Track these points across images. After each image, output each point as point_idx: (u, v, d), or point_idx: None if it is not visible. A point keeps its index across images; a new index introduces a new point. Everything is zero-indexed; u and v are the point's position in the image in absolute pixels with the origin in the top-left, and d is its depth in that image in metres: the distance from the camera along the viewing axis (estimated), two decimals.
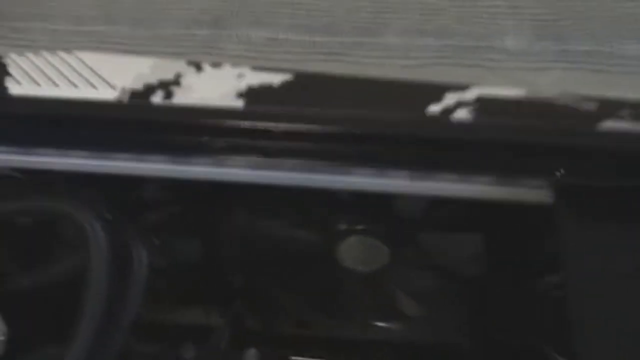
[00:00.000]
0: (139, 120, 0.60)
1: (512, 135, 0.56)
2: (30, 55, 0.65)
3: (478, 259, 0.72)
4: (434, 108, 0.58)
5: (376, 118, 0.58)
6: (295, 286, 0.78)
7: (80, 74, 0.64)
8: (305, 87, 0.63)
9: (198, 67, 0.65)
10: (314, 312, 0.79)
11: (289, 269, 0.77)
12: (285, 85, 0.62)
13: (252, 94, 0.60)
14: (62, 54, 0.65)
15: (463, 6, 0.96)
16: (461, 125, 0.57)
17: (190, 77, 0.63)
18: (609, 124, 0.56)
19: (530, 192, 0.59)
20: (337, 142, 0.58)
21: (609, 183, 0.55)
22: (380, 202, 0.69)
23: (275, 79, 0.63)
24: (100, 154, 0.62)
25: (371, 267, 0.72)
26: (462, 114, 0.57)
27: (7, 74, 0.63)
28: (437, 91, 0.60)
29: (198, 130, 0.59)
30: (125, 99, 0.61)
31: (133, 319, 0.57)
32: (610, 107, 0.58)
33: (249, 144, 0.59)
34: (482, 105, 0.58)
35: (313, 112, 0.59)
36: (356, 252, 0.71)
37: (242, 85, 0.62)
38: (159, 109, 0.60)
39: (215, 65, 0.66)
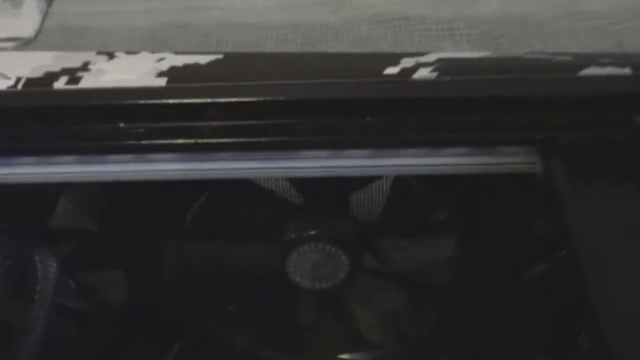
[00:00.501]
0: (37, 111, 0.49)
1: (482, 92, 0.48)
2: None
3: (451, 263, 0.62)
4: (391, 70, 0.50)
5: (328, 84, 0.49)
6: (241, 317, 0.66)
7: None
8: (239, 65, 0.54)
9: (110, 56, 0.55)
10: (266, 348, 0.67)
11: (232, 296, 0.65)
12: (214, 64, 0.52)
13: (175, 73, 0.51)
14: None
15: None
16: (424, 83, 0.48)
17: (101, 64, 0.53)
18: (589, 71, 0.49)
19: (510, 162, 0.50)
20: (282, 116, 0.48)
21: (598, 136, 0.47)
22: (336, 197, 0.60)
23: (202, 59, 0.53)
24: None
25: (328, 282, 0.62)
26: (423, 73, 0.49)
27: None
28: (392, 57, 0.52)
29: (113, 115, 0.48)
30: (21, 87, 0.50)
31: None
32: (587, 59, 0.51)
33: (175, 127, 0.49)
34: (444, 65, 0.50)
35: (252, 84, 0.50)
36: (309, 265, 0.60)
37: (164, 65, 0.52)
38: (62, 93, 0.49)
39: (131, 52, 0.56)
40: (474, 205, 0.57)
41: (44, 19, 0.60)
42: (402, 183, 0.57)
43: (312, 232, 0.60)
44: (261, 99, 0.49)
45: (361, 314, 0.68)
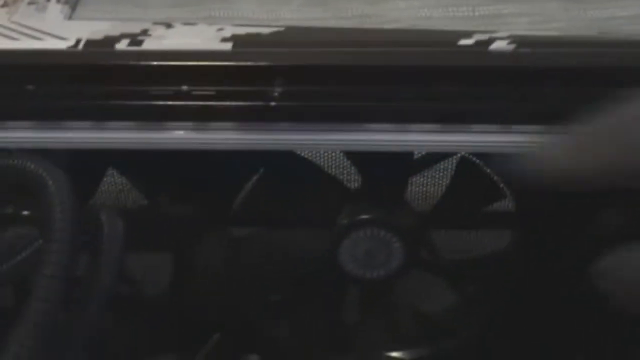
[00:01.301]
0: (99, 72, 0.48)
1: (559, 63, 0.46)
2: None
3: (510, 258, 0.60)
4: (466, 41, 0.48)
5: (399, 52, 0.48)
6: (285, 309, 0.64)
7: (18, 31, 0.52)
8: (302, 35, 0.52)
9: (168, 25, 0.53)
10: (316, 345, 0.64)
11: (278, 286, 0.63)
12: (277, 34, 0.51)
13: (239, 40, 0.49)
14: None
15: None
16: (502, 54, 0.46)
17: (160, 31, 0.52)
18: None
19: None
20: (351, 82, 0.47)
21: None
22: (395, 179, 0.58)
23: (264, 30, 0.52)
24: (49, 123, 0.49)
25: (380, 271, 0.59)
26: (500, 44, 0.47)
27: None
28: (463, 33, 0.50)
29: (178, 77, 0.47)
30: (82, 47, 0.49)
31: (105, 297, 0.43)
32: None
33: (242, 91, 0.47)
34: (520, 39, 0.48)
35: (320, 50, 0.48)
36: (361, 251, 0.58)
37: (226, 33, 0.51)
38: (126, 54, 0.48)
39: (188, 23, 0.55)
40: (540, 194, 0.55)
41: None
42: (467, 165, 0.55)
43: (366, 217, 0.58)
44: (328, 63, 0.48)
45: (410, 310, 0.65)
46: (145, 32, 0.52)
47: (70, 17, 0.61)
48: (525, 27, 0.60)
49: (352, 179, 0.61)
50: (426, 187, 0.65)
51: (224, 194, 0.59)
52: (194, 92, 0.47)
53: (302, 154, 0.58)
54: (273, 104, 0.47)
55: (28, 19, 0.57)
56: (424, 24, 0.60)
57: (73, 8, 0.63)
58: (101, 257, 0.44)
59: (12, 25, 0.54)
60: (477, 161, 0.56)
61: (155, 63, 0.47)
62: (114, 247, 0.45)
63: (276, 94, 0.47)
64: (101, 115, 0.50)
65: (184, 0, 0.67)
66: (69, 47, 0.49)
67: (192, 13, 0.64)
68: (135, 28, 0.53)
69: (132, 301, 0.66)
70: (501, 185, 0.56)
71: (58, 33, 0.52)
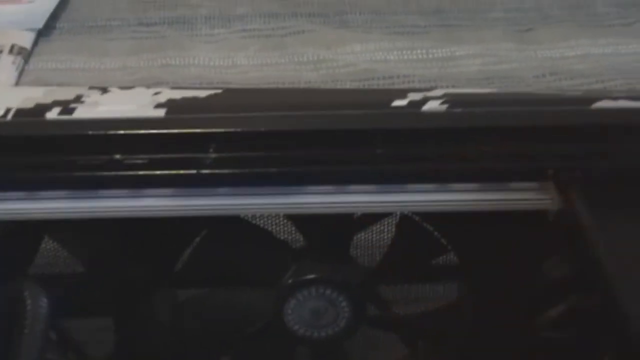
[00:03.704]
0: (29, 142, 0.48)
1: (494, 123, 0.48)
2: None
3: (457, 311, 0.61)
4: (400, 102, 0.50)
5: (335, 115, 0.49)
6: None
7: None
8: (239, 98, 0.53)
9: (104, 90, 0.54)
10: None
11: (225, 346, 0.63)
12: (213, 97, 0.52)
13: (174, 105, 0.50)
14: None
15: None
16: (434, 115, 0.48)
17: (95, 97, 0.53)
18: (602, 104, 0.49)
19: (523, 198, 0.50)
20: (287, 148, 0.48)
21: (616, 168, 0.47)
22: (338, 238, 0.59)
23: (201, 93, 0.53)
24: None
25: (328, 330, 0.60)
26: (432, 105, 0.49)
27: None
28: (398, 92, 0.52)
29: (110, 146, 0.47)
30: (10, 117, 0.49)
31: None
32: (598, 93, 0.51)
33: (175, 159, 0.48)
34: (453, 98, 0.50)
35: (254, 115, 0.49)
36: (307, 311, 0.59)
37: (161, 98, 0.51)
38: (56, 124, 0.48)
39: (125, 87, 0.55)
40: (482, 247, 0.56)
41: (20, 75, 0.60)
42: (407, 224, 0.56)
43: (312, 276, 0.58)
44: (265, 129, 0.49)
45: None
46: (78, 99, 0.52)
47: (22, 70, 0.61)
48: (478, 69, 0.62)
49: (296, 239, 0.61)
50: (371, 243, 0.66)
51: (166, 256, 0.59)
52: (126, 161, 0.48)
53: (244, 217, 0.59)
54: (207, 171, 0.48)
55: None
56: (379, 68, 0.62)
57: (26, 60, 0.64)
58: (23, 333, 0.44)
59: None
60: (417, 219, 0.57)
61: (85, 132, 0.47)
62: (36, 323, 0.45)
63: (210, 160, 0.48)
64: (34, 185, 0.50)
65: (141, 47, 0.67)
66: None
67: (149, 61, 0.65)
68: (69, 94, 0.53)
69: None
70: (442, 240, 0.57)
71: None
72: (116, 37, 0.69)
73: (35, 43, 0.66)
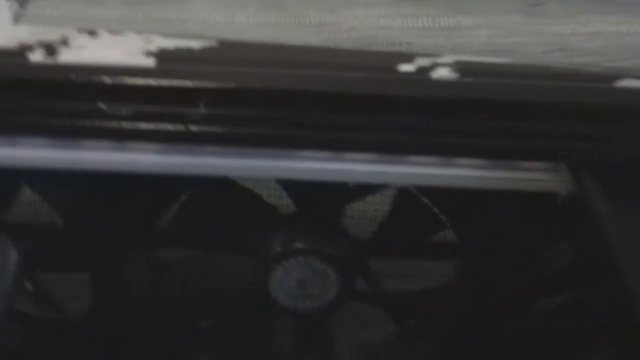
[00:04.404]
0: (8, 84, 0.45)
1: (507, 96, 0.45)
2: None
3: (450, 292, 0.59)
4: (407, 67, 0.47)
5: (335, 76, 0.46)
6: (212, 338, 0.62)
7: None
8: (235, 52, 0.50)
9: (92, 33, 0.51)
10: None
11: (205, 314, 0.61)
12: (207, 50, 0.49)
13: (165, 55, 0.47)
14: None
15: None
16: (443, 83, 0.45)
17: (82, 40, 0.50)
18: (626, 82, 0.46)
19: (532, 179, 0.47)
20: (283, 108, 0.45)
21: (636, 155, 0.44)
22: (330, 207, 0.56)
23: (195, 44, 0.50)
24: None
25: (314, 303, 0.58)
26: (442, 73, 0.46)
27: None
28: (405, 56, 0.49)
29: (94, 94, 0.44)
30: None
31: None
32: (620, 71, 0.48)
33: (162, 113, 0.45)
34: (464, 67, 0.47)
35: (250, 71, 0.46)
36: (293, 282, 0.56)
37: (152, 47, 0.48)
38: (38, 67, 0.45)
39: (114, 31, 0.52)
40: (482, 227, 0.53)
41: (15, 20, 0.60)
42: (405, 197, 0.54)
43: (301, 246, 0.56)
44: (260, 86, 0.46)
45: (345, 344, 0.64)
46: (64, 41, 0.49)
47: (18, 14, 0.60)
48: (485, 41, 0.60)
49: (285, 205, 0.59)
50: (364, 214, 0.64)
51: (147, 215, 0.57)
52: (111, 111, 0.45)
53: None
54: (196, 127, 0.45)
55: None
56: (382, 34, 0.59)
57: (22, 4, 0.62)
58: None
59: None
60: (416, 192, 0.54)
61: (68, 78, 0.44)
62: (2, 278, 0.42)
63: (200, 116, 0.45)
64: (13, 130, 0.47)
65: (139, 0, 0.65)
66: None
67: (145, 14, 0.63)
68: (54, 35, 0.50)
69: (54, 323, 0.63)
70: (441, 216, 0.55)
71: None
72: None
73: None
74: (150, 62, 0.47)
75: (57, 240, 0.57)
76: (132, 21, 0.62)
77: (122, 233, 0.57)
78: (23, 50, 0.47)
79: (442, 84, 0.46)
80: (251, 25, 0.62)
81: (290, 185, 0.55)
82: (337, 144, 0.47)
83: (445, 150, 0.47)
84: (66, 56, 0.47)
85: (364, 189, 0.58)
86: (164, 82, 0.45)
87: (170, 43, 0.50)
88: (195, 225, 0.57)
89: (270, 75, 0.47)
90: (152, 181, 0.50)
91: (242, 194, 0.56)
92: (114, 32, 0.52)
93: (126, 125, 0.46)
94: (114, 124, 0.46)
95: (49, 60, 0.46)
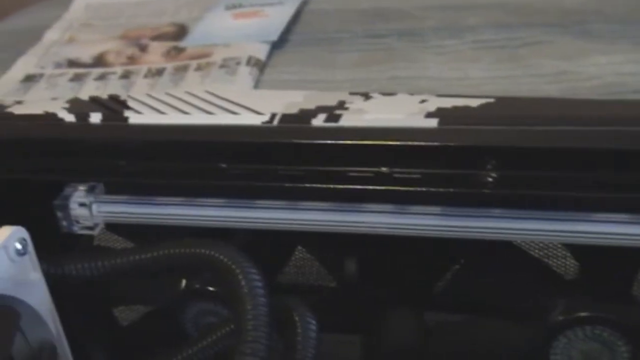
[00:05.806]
0: (295, 148, 0.47)
1: None
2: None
3: None
4: None
5: (616, 132, 0.43)
6: None
7: (214, 104, 0.53)
8: (517, 107, 0.49)
9: (366, 97, 0.52)
10: None
11: None
12: (487, 106, 0.48)
13: (445, 114, 0.47)
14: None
15: None
16: None
17: (358, 103, 0.51)
18: None
19: None
20: (571, 166, 0.42)
21: None
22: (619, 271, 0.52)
23: (472, 102, 0.49)
24: (242, 201, 0.49)
25: None
26: None
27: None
28: None
29: (379, 156, 0.45)
30: (276, 122, 0.48)
31: None
32: None
33: (449, 173, 0.44)
34: None
35: (538, 129, 0.44)
36: (578, 353, 0.52)
37: (430, 106, 0.48)
38: (324, 131, 0.46)
39: (387, 93, 0.53)
40: None
41: (255, 86, 0.64)
42: None
43: (587, 314, 0.52)
44: (549, 145, 0.44)
45: None
46: (342, 105, 0.50)
47: (258, 80, 0.64)
48: None
49: (567, 268, 0.56)
50: None
51: (424, 278, 0.56)
52: (395, 175, 0.45)
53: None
54: (486, 190, 0.43)
55: (220, 86, 0.59)
56: (628, 81, 0.56)
57: (261, 71, 0.68)
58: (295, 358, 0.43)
59: (206, 96, 0.55)
60: None
61: (356, 141, 0.45)
62: (307, 348, 0.43)
63: (490, 178, 0.43)
64: (295, 195, 0.48)
65: (368, 59, 0.67)
66: (264, 123, 0.48)
67: (378, 73, 0.64)
68: (331, 100, 0.51)
69: None
70: None
71: (251, 105, 0.51)
72: (345, 49, 0.71)
73: (269, 55, 0.71)
74: (432, 123, 0.46)
75: (330, 301, 0.58)
76: (365, 81, 0.64)
77: (395, 296, 0.57)
78: (307, 116, 0.49)
79: None
80: (485, 79, 0.60)
81: (578, 248, 0.52)
82: (635, 206, 0.43)
83: None
84: (348, 120, 0.48)
85: None
86: (450, 143, 0.44)
87: (446, 102, 0.50)
88: (471, 288, 0.55)
89: (558, 132, 0.44)
90: (430, 244, 0.50)
91: (519, 255, 0.54)
92: (386, 94, 0.53)
93: (409, 187, 0.45)
94: (397, 187, 0.45)
95: (331, 124, 0.47)
